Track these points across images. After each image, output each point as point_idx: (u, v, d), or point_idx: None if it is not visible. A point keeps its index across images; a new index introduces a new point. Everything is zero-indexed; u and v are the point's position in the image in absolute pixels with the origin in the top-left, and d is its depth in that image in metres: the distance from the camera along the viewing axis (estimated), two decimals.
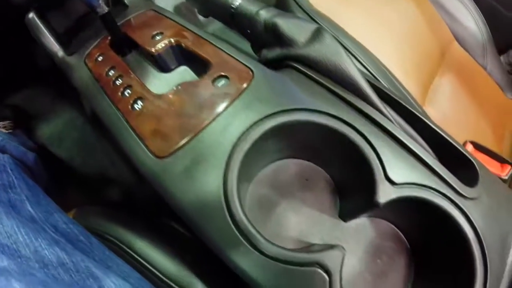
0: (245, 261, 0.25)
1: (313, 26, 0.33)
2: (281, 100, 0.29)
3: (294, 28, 0.33)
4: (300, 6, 0.46)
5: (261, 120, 0.28)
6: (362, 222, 0.34)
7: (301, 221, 0.33)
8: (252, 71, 0.32)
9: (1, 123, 0.93)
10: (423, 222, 0.31)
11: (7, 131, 0.89)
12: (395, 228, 0.35)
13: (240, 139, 0.28)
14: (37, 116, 1.01)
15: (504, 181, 0.37)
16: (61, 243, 0.28)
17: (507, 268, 0.28)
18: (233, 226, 0.25)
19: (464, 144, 0.39)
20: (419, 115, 0.32)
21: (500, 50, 0.85)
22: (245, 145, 0.27)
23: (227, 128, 0.29)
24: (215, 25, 0.53)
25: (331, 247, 0.25)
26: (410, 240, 0.35)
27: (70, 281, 0.25)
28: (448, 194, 0.29)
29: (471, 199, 0.29)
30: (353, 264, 0.33)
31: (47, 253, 0.26)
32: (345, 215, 0.33)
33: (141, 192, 0.63)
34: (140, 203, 0.63)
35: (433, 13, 0.72)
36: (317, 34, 0.32)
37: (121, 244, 0.35)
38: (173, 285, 0.32)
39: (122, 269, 0.31)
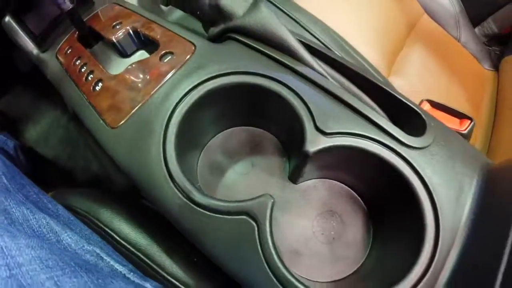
0: (180, 215, 0.28)
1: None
2: (219, 66, 0.32)
3: (233, 3, 0.36)
4: None
5: (199, 84, 0.31)
6: (312, 184, 0.36)
7: (251, 184, 0.35)
8: (194, 45, 0.35)
9: None
10: (371, 176, 0.32)
11: None
12: (348, 188, 0.36)
13: (179, 103, 0.30)
14: (22, 119, 1.06)
15: (464, 136, 0.37)
16: (27, 205, 0.32)
17: (464, 218, 0.27)
18: (171, 183, 0.28)
19: (420, 103, 0.40)
20: (364, 74, 0.33)
21: (475, 22, 0.86)
22: (184, 108, 0.30)
23: (168, 95, 0.32)
24: (177, 13, 0.56)
25: (259, 196, 0.27)
26: (365, 199, 0.35)
27: (32, 234, 0.29)
28: (388, 143, 0.29)
29: (418, 148, 0.29)
30: (305, 225, 0.34)
31: (14, 211, 0.30)
32: (295, 177, 0.35)
33: (121, 178, 0.67)
34: (118, 188, 0.66)
35: None
36: (253, 6, 0.34)
37: (88, 215, 0.38)
38: (131, 248, 0.35)
39: (84, 232, 0.34)
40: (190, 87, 0.31)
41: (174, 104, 0.31)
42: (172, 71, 0.33)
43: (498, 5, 0.85)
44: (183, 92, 0.31)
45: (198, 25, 0.49)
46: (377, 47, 0.57)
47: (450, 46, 0.75)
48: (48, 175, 0.87)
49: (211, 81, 0.31)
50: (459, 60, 0.74)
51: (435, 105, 0.41)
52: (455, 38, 0.79)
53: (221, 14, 0.37)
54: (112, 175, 0.71)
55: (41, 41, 0.60)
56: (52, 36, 0.61)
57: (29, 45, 0.58)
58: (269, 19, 0.33)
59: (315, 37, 0.45)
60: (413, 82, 0.60)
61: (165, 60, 0.35)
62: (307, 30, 0.44)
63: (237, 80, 0.31)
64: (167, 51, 0.36)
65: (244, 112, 0.35)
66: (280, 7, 0.46)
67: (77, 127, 0.89)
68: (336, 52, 0.45)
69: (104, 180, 0.74)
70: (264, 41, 0.34)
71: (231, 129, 0.37)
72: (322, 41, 0.44)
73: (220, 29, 0.36)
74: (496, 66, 0.82)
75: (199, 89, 0.31)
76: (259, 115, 0.35)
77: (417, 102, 0.45)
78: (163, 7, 0.50)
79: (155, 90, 0.33)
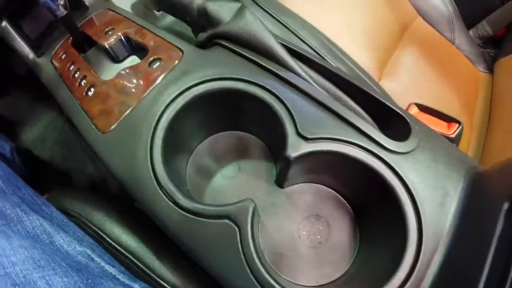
0: (166, 218, 0.29)
1: (237, 5, 0.36)
2: (205, 72, 0.33)
3: (220, 9, 0.37)
4: None
5: (185, 89, 0.32)
6: (299, 188, 0.36)
7: (238, 188, 0.36)
8: (182, 51, 0.36)
9: None
10: (355, 181, 0.32)
11: None
12: (335, 192, 0.36)
13: (166, 108, 0.31)
14: (18, 121, 1.07)
15: (452, 140, 0.37)
16: (22, 206, 0.34)
17: (448, 224, 0.27)
18: (157, 186, 0.29)
19: (409, 106, 0.40)
20: (348, 79, 0.34)
21: (469, 24, 0.86)
22: (170, 114, 0.31)
23: (156, 100, 0.33)
24: (168, 19, 0.57)
25: (240, 201, 0.28)
26: (351, 203, 0.36)
27: (26, 235, 0.31)
28: (370, 148, 0.29)
29: (401, 153, 0.29)
30: (291, 228, 0.35)
31: (9, 212, 0.32)
32: (281, 181, 0.35)
33: (115, 181, 0.68)
34: (112, 191, 0.67)
35: None
36: (239, 12, 0.35)
37: (80, 217, 0.39)
38: (121, 249, 0.36)
39: (76, 234, 0.35)
40: (176, 92, 0.32)
41: (162, 109, 0.32)
42: (160, 77, 0.34)
43: (492, 7, 0.86)
44: (170, 98, 0.32)
45: (189, 30, 0.50)
46: (368, 49, 0.57)
47: (444, 48, 0.76)
48: (44, 177, 0.89)
49: (197, 87, 0.32)
50: (453, 62, 0.75)
51: (423, 108, 0.41)
52: (449, 40, 0.80)
53: (208, 20, 0.38)
54: (108, 178, 0.72)
55: (37, 45, 0.62)
56: (47, 40, 0.63)
57: (25, 50, 0.59)
58: (254, 25, 0.34)
59: (303, 41, 0.45)
60: (405, 84, 0.60)
61: (154, 66, 0.36)
62: (295, 34, 0.45)
63: (222, 86, 0.32)
64: (156, 57, 0.37)
65: (231, 117, 0.36)
66: (268, 10, 0.47)
67: (72, 130, 0.90)
68: (324, 56, 0.46)
69: (99, 183, 0.76)
70: (249, 47, 0.34)
71: (218, 133, 0.38)
72: (310, 45, 0.45)
73: (208, 34, 0.37)
74: (490, 68, 0.82)
75: (185, 94, 0.32)
76: (245, 120, 0.36)
77: (404, 102, 0.46)
78: (155, 12, 0.51)
79: (144, 95, 0.34)
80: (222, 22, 0.36)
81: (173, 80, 0.34)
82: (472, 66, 0.79)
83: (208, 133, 0.38)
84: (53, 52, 0.51)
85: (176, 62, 0.35)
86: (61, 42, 0.52)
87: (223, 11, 0.37)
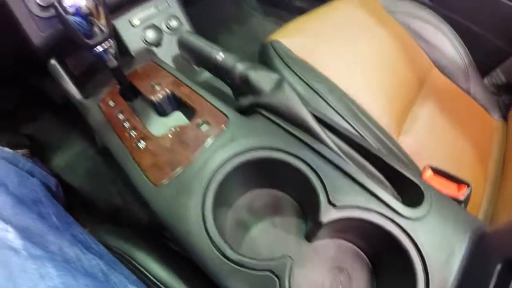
0: (215, 267, 0.34)
1: (276, 77, 0.43)
2: (248, 141, 0.39)
3: (262, 80, 0.43)
4: (277, 54, 0.57)
5: (232, 157, 0.38)
6: (325, 243, 0.42)
7: (271, 241, 0.41)
8: (227, 116, 0.42)
9: (20, 151, 1.06)
10: (374, 240, 0.38)
11: (26, 160, 1.01)
12: (357, 248, 0.42)
13: (216, 172, 0.37)
14: (51, 146, 1.15)
15: (460, 202, 0.42)
16: (78, 245, 0.38)
17: (451, 279, 0.32)
18: (208, 240, 0.34)
19: (424, 168, 0.46)
20: (369, 148, 0.40)
21: (483, 71, 0.92)
22: (219, 177, 0.37)
23: (206, 163, 0.39)
24: (207, 74, 0.64)
25: (281, 257, 0.33)
26: (370, 258, 0.41)
27: (85, 273, 0.35)
28: (389, 215, 0.35)
29: (415, 219, 0.35)
30: (317, 279, 0.40)
31: (68, 251, 0.36)
32: (310, 236, 0.41)
33: (143, 217, 0.74)
34: (143, 225, 0.73)
35: (410, 43, 0.81)
36: (278, 85, 0.42)
37: (124, 255, 0.44)
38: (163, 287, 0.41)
39: (123, 271, 0.40)
40: (225, 158, 0.38)
41: (212, 172, 0.38)
42: (209, 141, 0.41)
43: (506, 54, 0.92)
44: (219, 163, 0.38)
45: (224, 84, 0.56)
46: (388, 108, 0.63)
47: (460, 99, 0.81)
48: (71, 202, 0.95)
49: (243, 155, 0.38)
50: (468, 113, 0.80)
51: (436, 171, 0.47)
52: (464, 90, 0.85)
53: (249, 87, 0.44)
54: (136, 213, 0.77)
55: (81, 84, 0.69)
56: (92, 82, 0.70)
57: (73, 90, 0.66)
58: (292, 101, 0.40)
59: (330, 106, 0.52)
60: (421, 139, 0.65)
61: (202, 129, 0.43)
62: (323, 99, 0.52)
63: (264, 155, 0.38)
64: (204, 120, 0.43)
65: (269, 178, 0.42)
66: (301, 75, 0.54)
67: (104, 162, 0.96)
68: (349, 121, 0.52)
69: (124, 215, 0.81)
70: (287, 119, 0.41)
71: (256, 190, 0.44)
72: (337, 109, 0.52)
73: (249, 103, 0.43)
74: (505, 116, 0.87)
75: (233, 160, 0.38)
76: (281, 181, 0.42)
77: (423, 160, 0.51)
78: (195, 67, 0.57)
79: (194, 157, 0.40)
80: (262, 92, 0.43)
81: (221, 146, 0.40)
82: (487, 115, 0.84)
83: (246, 189, 0.43)
84: (101, 98, 0.57)
85: (223, 127, 0.42)
86: (108, 88, 0.58)
87: (264, 82, 0.43)
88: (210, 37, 0.62)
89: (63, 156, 1.11)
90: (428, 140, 0.67)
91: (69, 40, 0.47)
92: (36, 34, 0.58)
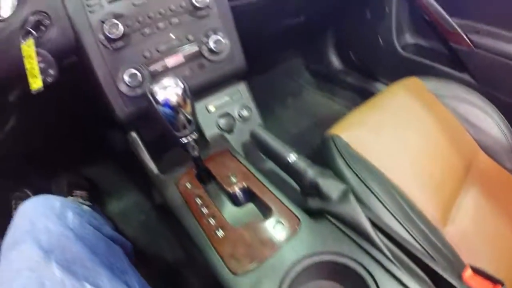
0: None
1: (343, 187, 0.51)
2: (317, 244, 0.47)
3: (329, 187, 0.52)
4: (338, 149, 0.66)
5: (302, 259, 0.46)
6: None
7: None
8: (299, 219, 0.50)
9: (79, 192, 1.19)
10: None
11: (84, 202, 1.13)
12: None
13: (288, 270, 0.45)
14: (108, 192, 1.27)
15: None
16: None
17: None
18: None
19: (465, 268, 0.52)
20: (415, 253, 0.47)
21: None
22: (292, 274, 0.45)
23: (280, 262, 0.47)
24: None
25: None
26: None
27: None
28: None
29: None
30: None
31: None
32: None
33: (195, 282, 0.82)
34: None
35: (457, 128, 0.87)
36: (345, 195, 0.50)
37: None
38: None
39: None
40: (297, 259, 0.46)
41: (285, 271, 0.45)
42: (284, 241, 0.49)
43: None
44: (291, 263, 0.45)
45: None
46: (435, 198, 0.69)
47: (505, 183, 0.85)
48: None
49: (312, 258, 0.46)
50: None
51: (476, 271, 0.53)
52: (509, 171, 0.88)
53: (318, 192, 0.53)
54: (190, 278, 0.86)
55: (156, 154, 0.79)
56: (167, 158, 0.80)
57: (151, 164, 0.76)
58: (355, 211, 0.48)
59: (380, 202, 0.59)
60: (465, 228, 0.70)
61: (277, 229, 0.51)
62: (375, 195, 0.60)
63: (330, 259, 0.46)
64: (278, 220, 0.52)
65: (330, 273, 0.49)
66: (357, 173, 0.62)
67: (158, 217, 1.07)
68: (395, 215, 0.59)
69: (174, 272, 0.90)
70: (349, 226, 0.48)
71: (317, 281, 0.50)
72: (387, 206, 0.59)
73: (318, 207, 0.52)
74: None
75: (303, 262, 0.45)
76: (341, 277, 0.48)
77: (467, 252, 0.58)
78: (262, 155, 0.67)
79: (270, 255, 0.48)
80: (329, 198, 0.51)
81: (294, 247, 0.48)
82: None
83: (310, 280, 0.50)
84: (178, 178, 0.65)
85: (294, 229, 0.50)
86: (184, 169, 0.67)
87: (331, 189, 0.51)
88: (266, 109, 0.70)
89: (119, 204, 1.21)
90: (472, 228, 0.71)
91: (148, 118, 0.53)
92: (122, 109, 0.69)
